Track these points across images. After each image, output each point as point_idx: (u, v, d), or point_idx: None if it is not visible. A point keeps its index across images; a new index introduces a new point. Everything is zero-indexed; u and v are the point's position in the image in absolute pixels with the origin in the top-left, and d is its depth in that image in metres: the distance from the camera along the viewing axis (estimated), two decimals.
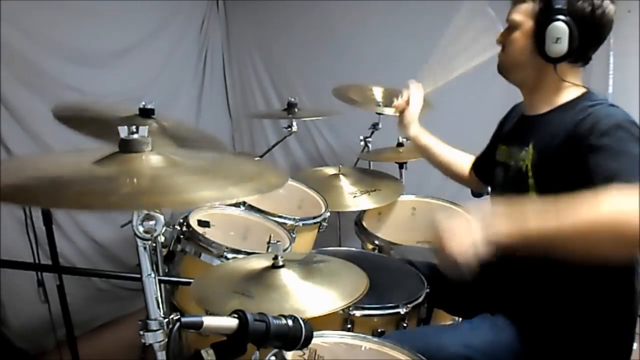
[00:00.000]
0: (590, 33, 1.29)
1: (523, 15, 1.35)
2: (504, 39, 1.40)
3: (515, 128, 1.53)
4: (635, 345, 1.38)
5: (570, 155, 1.22)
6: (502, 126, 1.64)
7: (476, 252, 1.05)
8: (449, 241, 1.07)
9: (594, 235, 1.00)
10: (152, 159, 0.97)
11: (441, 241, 1.08)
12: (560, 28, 1.26)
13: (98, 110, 1.67)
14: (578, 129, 1.23)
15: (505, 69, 1.42)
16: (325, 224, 2.12)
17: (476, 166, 1.77)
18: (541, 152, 1.32)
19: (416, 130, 1.85)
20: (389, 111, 2.44)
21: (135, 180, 0.92)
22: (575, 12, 1.26)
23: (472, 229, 1.07)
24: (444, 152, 1.83)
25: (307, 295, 1.27)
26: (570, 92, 1.35)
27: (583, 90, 1.36)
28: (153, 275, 0.93)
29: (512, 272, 1.44)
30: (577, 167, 1.19)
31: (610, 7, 1.28)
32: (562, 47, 1.27)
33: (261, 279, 1.32)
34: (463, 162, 1.80)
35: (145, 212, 0.89)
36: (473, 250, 1.05)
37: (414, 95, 1.86)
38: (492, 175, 1.55)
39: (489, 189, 1.76)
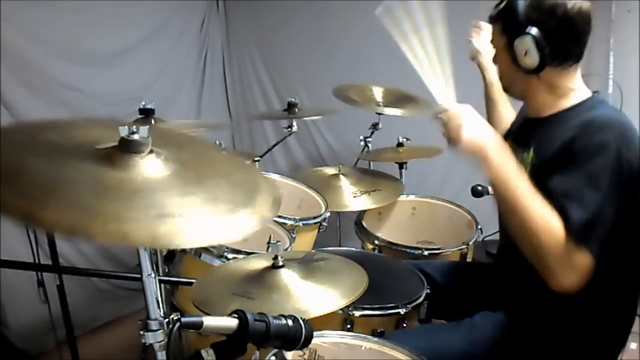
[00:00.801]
0: (560, 34, 1.25)
1: (498, 35, 1.35)
2: (495, 60, 1.42)
3: (520, 128, 1.53)
4: (634, 345, 1.38)
5: (562, 168, 1.23)
6: (516, 120, 1.63)
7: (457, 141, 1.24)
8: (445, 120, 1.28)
9: (525, 226, 1.18)
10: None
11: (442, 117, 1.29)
12: (524, 41, 1.25)
13: None
14: (572, 145, 1.22)
15: (503, 86, 1.47)
16: (325, 224, 2.12)
17: None
18: (540, 158, 1.32)
19: (491, 79, 1.74)
20: (389, 111, 2.44)
21: None
22: (536, 20, 1.24)
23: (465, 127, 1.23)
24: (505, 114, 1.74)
25: (307, 295, 1.26)
26: (571, 97, 1.33)
27: (588, 94, 1.34)
28: (153, 275, 0.93)
29: (510, 270, 1.44)
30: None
31: (573, 2, 1.24)
32: (534, 58, 1.26)
33: (261, 279, 1.32)
34: None
35: None
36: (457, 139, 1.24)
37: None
38: None
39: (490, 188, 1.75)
